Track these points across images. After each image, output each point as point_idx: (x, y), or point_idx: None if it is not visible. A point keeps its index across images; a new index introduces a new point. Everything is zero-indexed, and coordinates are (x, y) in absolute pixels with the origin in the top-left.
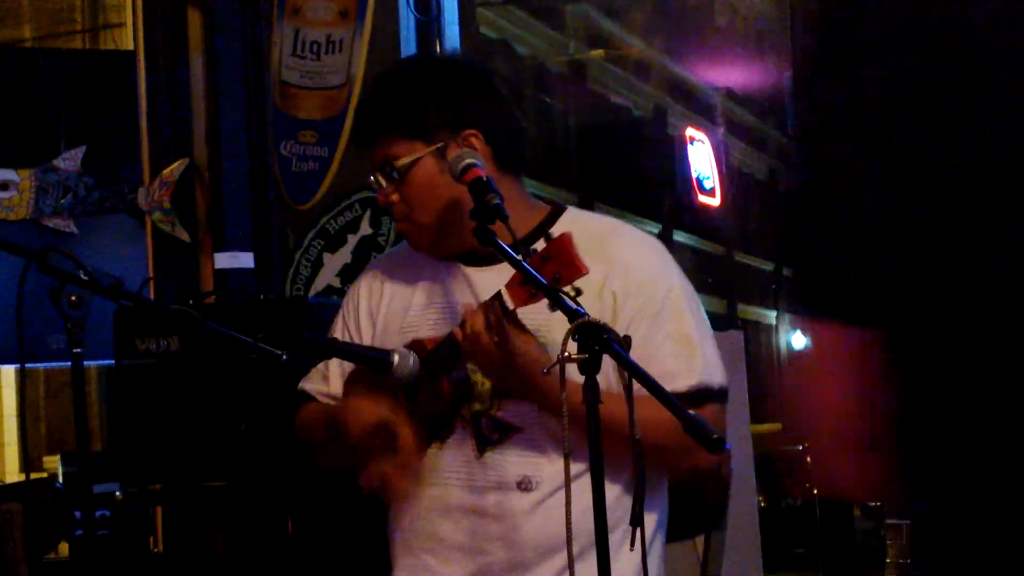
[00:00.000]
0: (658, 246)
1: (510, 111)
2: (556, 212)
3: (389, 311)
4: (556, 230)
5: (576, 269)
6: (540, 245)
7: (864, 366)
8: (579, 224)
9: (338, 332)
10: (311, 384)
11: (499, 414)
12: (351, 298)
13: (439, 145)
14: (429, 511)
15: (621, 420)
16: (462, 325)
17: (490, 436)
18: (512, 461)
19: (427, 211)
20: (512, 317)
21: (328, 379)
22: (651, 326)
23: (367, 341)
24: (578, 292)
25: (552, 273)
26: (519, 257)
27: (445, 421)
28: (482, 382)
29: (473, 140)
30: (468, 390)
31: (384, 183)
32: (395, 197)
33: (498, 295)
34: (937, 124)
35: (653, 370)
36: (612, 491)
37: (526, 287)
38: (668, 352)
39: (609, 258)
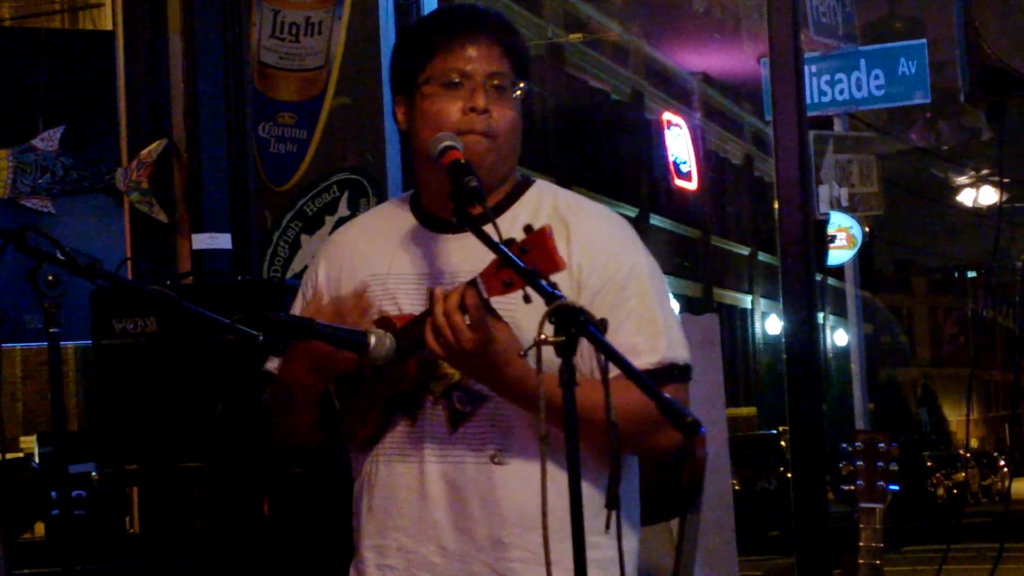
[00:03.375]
0: (621, 222)
1: None
2: (524, 184)
3: (350, 284)
4: (523, 203)
5: (554, 264)
6: (518, 234)
7: None
8: (544, 198)
9: (297, 309)
10: (272, 364)
11: (469, 383)
12: (309, 277)
13: (524, 91)
14: (403, 490)
15: (590, 406)
16: (431, 313)
17: (463, 409)
18: (484, 434)
19: (506, 140)
20: (486, 306)
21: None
22: (615, 301)
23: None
24: (553, 287)
25: (529, 266)
26: (500, 243)
27: (411, 395)
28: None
29: (520, 103)
30: (433, 370)
31: (489, 92)
32: (489, 108)
33: (474, 282)
34: None
35: (617, 345)
36: (584, 483)
37: (500, 277)
38: (632, 328)
39: (572, 233)
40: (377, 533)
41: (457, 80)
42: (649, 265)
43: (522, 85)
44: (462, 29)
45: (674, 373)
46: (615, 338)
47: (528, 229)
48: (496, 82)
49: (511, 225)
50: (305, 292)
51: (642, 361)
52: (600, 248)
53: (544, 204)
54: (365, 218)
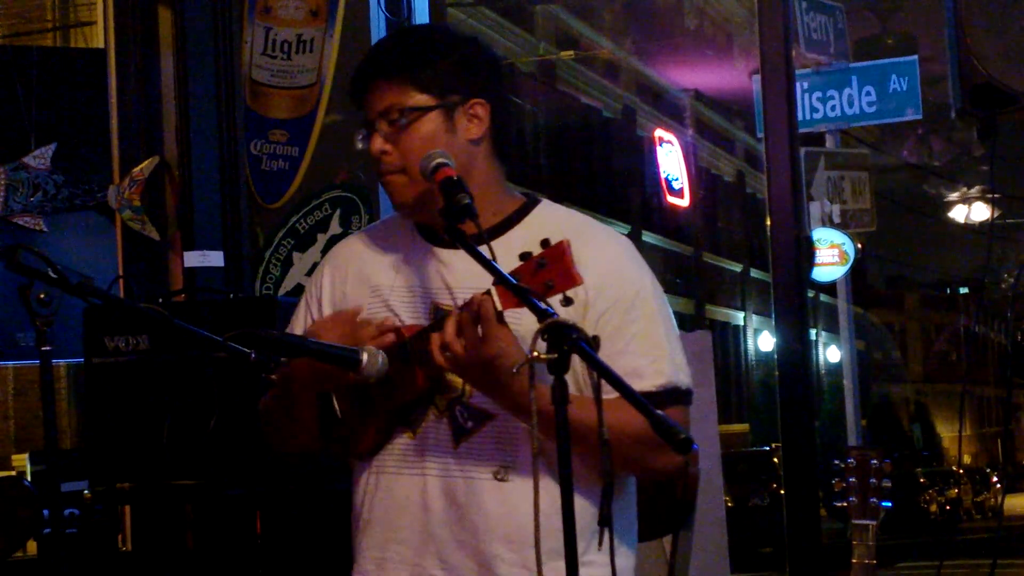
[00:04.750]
0: (628, 245)
1: (507, 95)
2: (530, 203)
3: (355, 294)
4: (529, 222)
5: (571, 279)
6: (535, 249)
7: None
8: (551, 218)
9: (300, 319)
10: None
11: (473, 401)
12: (314, 284)
13: (450, 101)
14: (405, 503)
15: (589, 425)
16: (439, 324)
17: (465, 425)
18: (488, 451)
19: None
20: (499, 318)
21: None
22: (621, 324)
23: None
24: (569, 301)
25: (545, 280)
26: (490, 258)
27: (414, 408)
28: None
29: (479, 109)
30: (439, 383)
31: (385, 130)
32: (388, 147)
33: (489, 294)
34: None
35: (621, 368)
36: (580, 500)
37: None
38: (637, 351)
39: (580, 254)
40: (378, 546)
41: (369, 129)
42: (655, 288)
43: (432, 99)
44: (360, 76)
45: (677, 396)
46: (620, 360)
47: (546, 243)
48: (392, 117)
49: (518, 244)
50: (308, 300)
51: (646, 384)
52: (608, 270)
53: (550, 224)
54: (371, 230)
